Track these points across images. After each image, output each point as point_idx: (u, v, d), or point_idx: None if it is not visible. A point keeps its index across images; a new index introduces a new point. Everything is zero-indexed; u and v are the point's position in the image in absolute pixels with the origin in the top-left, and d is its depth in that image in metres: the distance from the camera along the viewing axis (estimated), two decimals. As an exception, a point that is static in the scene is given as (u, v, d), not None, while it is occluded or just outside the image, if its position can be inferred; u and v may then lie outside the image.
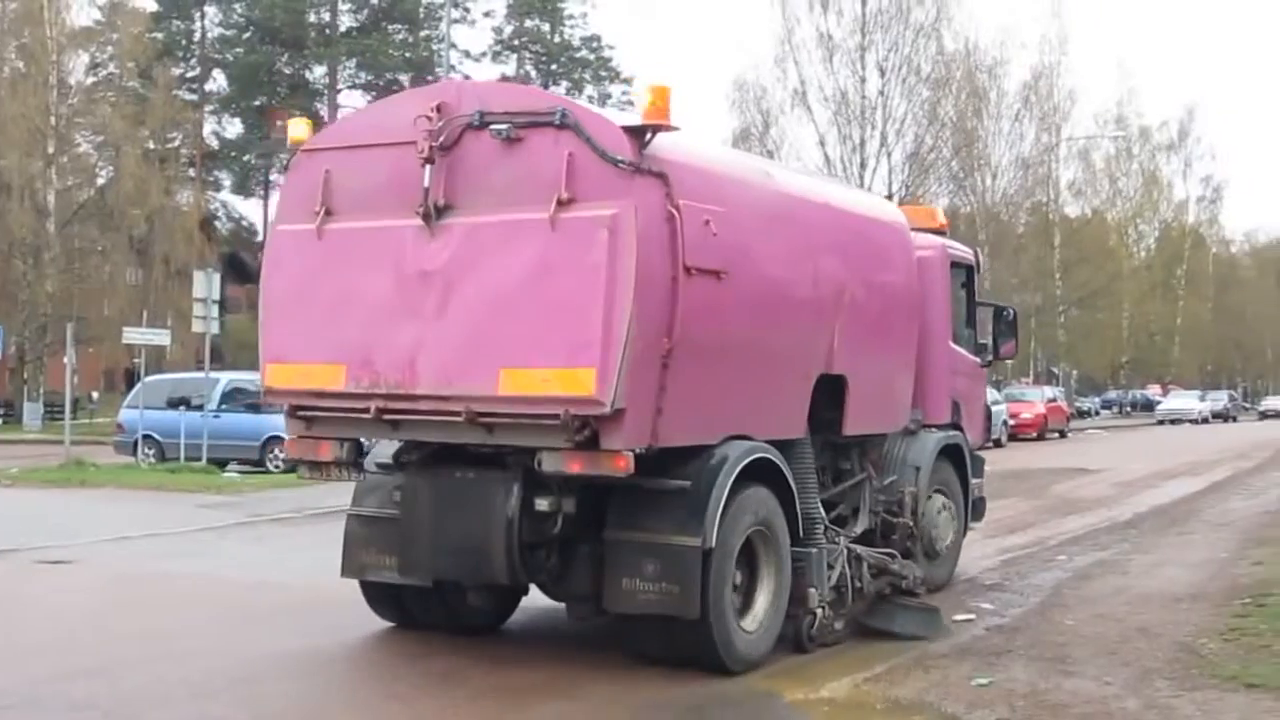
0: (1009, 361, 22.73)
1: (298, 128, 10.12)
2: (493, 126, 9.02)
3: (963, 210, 59.81)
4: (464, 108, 9.18)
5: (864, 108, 58.25)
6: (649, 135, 8.81)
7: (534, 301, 8.72)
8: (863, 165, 57.74)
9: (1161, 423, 74.16)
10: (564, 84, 78.00)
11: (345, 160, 9.62)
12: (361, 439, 9.95)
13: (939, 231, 14.22)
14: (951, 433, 13.64)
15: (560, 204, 8.68)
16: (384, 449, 10.25)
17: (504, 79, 74.34)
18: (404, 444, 9.81)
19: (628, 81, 78.47)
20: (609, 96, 78.65)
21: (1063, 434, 53.27)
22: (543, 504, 9.12)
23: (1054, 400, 55.09)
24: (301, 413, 9.80)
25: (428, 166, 9.12)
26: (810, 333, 10.63)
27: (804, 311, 10.51)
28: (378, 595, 10.73)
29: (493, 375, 8.81)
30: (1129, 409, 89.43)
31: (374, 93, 70.72)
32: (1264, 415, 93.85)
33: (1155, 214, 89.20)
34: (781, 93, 58.76)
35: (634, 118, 8.91)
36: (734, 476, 9.33)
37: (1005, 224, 65.79)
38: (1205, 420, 78.14)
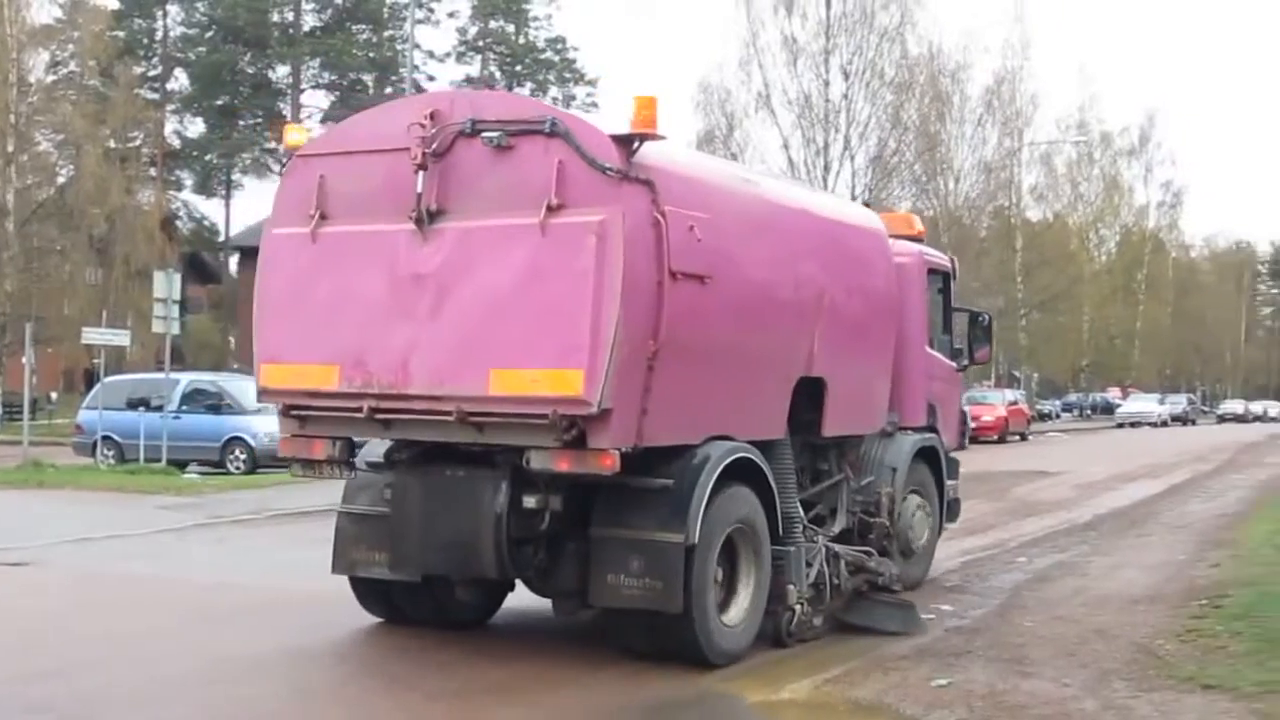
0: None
1: (294, 134, 10.44)
2: (485, 134, 9.34)
3: (925, 214, 59.91)
4: (457, 115, 9.50)
5: (828, 111, 58.43)
6: (636, 144, 9.14)
7: (524, 304, 9.07)
8: (826, 169, 57.91)
9: (1121, 426, 74.76)
10: (528, 85, 77.96)
11: (340, 166, 9.95)
12: (353, 438, 10.25)
13: (916, 238, 14.64)
14: (927, 435, 14.04)
15: (550, 210, 9.02)
16: (374, 448, 10.54)
17: (469, 80, 74.47)
18: (395, 443, 10.12)
19: (592, 83, 78.71)
20: (573, 98, 78.66)
21: (1023, 436, 53.58)
22: (530, 501, 9.47)
23: (1015, 403, 55.39)
24: (295, 412, 10.12)
25: (421, 172, 9.44)
26: (791, 336, 10.99)
27: (785, 315, 10.87)
28: (367, 591, 11.01)
29: (483, 376, 9.16)
30: (1089, 412, 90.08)
31: (337, 93, 70.62)
32: (1222, 419, 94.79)
33: (1116, 218, 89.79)
34: (746, 95, 58.93)
35: (621, 126, 9.23)
36: (716, 475, 9.67)
37: (968, 228, 66.06)
38: (1164, 423, 78.89)
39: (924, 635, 11.13)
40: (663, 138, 9.31)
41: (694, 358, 9.59)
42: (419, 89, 68.36)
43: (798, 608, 10.70)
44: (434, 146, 9.45)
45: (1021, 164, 73.16)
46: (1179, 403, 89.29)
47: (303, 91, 68.51)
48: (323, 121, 71.48)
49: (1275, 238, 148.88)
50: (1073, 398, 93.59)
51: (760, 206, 10.74)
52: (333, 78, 71.74)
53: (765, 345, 10.65)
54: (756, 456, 10.28)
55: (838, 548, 11.74)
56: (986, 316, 16.05)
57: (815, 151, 58.34)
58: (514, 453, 9.33)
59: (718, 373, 10.00)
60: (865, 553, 12.16)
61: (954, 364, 15.24)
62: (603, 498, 9.68)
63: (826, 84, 58.59)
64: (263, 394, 10.36)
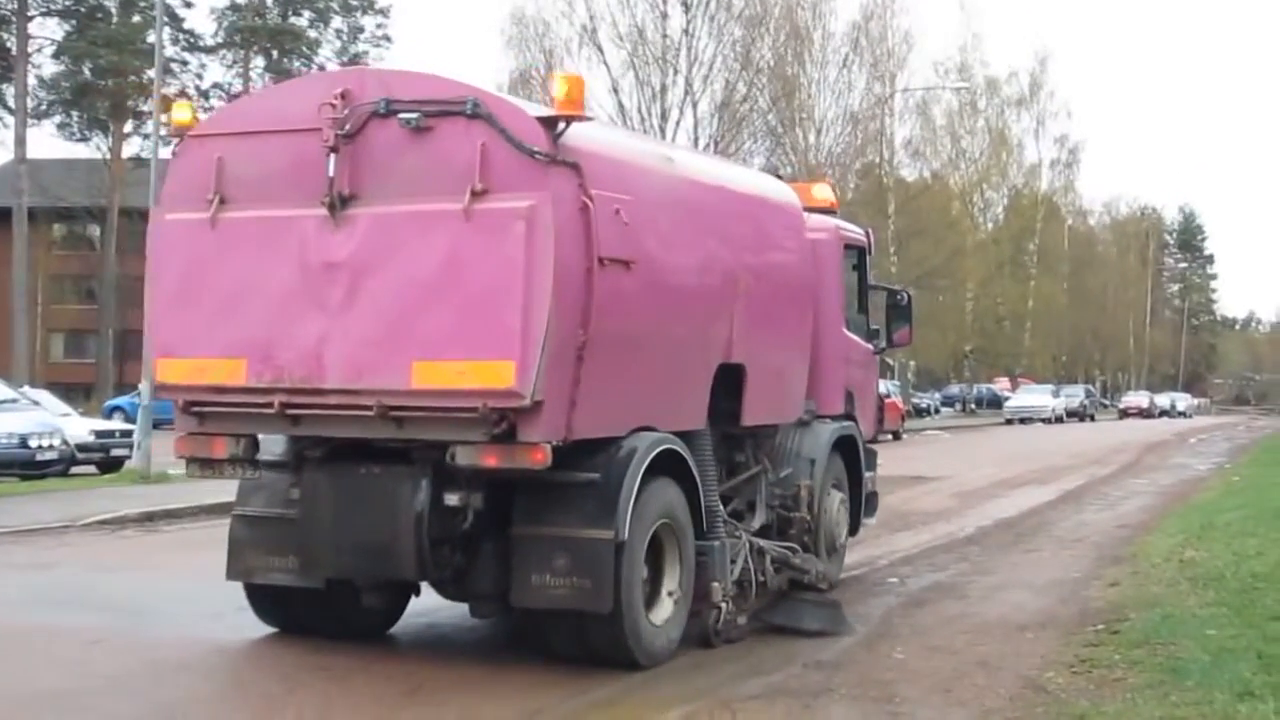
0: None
1: (182, 111, 11.53)
2: (401, 115, 10.52)
3: (782, 171, 60.59)
4: (368, 95, 10.70)
5: (665, 48, 59.06)
6: (563, 126, 10.44)
7: (447, 293, 10.27)
8: (664, 116, 58.50)
9: (1010, 421, 76.92)
10: (306, 14, 77.20)
11: (239, 147, 11.08)
12: (257, 435, 11.38)
13: (829, 211, 16.14)
14: (845, 424, 15.63)
15: (474, 195, 10.23)
16: (270, 446, 11.66)
17: (235, 9, 73.45)
18: (303, 440, 11.27)
19: (383, 13, 78.21)
20: (361, 30, 78.34)
21: (897, 435, 54.60)
22: (452, 499, 10.69)
23: (888, 396, 56.02)
24: (195, 409, 11.22)
25: (332, 155, 10.60)
26: (711, 321, 12.44)
27: (705, 299, 12.32)
28: (264, 599, 12.16)
29: (405, 369, 10.34)
30: (973, 406, 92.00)
31: (74, 21, 69.14)
32: (1124, 413, 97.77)
33: (1004, 179, 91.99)
34: (568, 29, 59.37)
35: (545, 108, 10.61)
36: (644, 469, 11.00)
37: (832, 188, 66.79)
38: (1059, 419, 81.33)
39: (850, 636, 12.53)
40: (589, 118, 10.71)
41: (620, 346, 10.90)
42: (172, 16, 67.35)
43: (723, 606, 12.10)
44: (346, 128, 10.58)
45: (894, 114, 74.49)
46: (1075, 395, 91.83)
47: (31, 19, 66.98)
48: (55, 56, 69.96)
49: (1184, 203, 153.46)
50: (954, 390, 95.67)
51: (679, 186, 12.13)
52: (67, 3, 70.22)
53: (686, 331, 12.06)
54: (681, 448, 11.72)
55: (762, 543, 13.35)
56: (905, 295, 17.66)
57: (651, 96, 58.90)
58: (434, 448, 10.54)
59: (642, 361, 11.37)
60: (790, 549, 13.79)
61: (871, 346, 16.80)
62: (524, 494, 10.97)
63: (664, 16, 59.16)
64: (160, 390, 11.49)
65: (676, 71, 58.93)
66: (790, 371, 14.09)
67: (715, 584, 12.02)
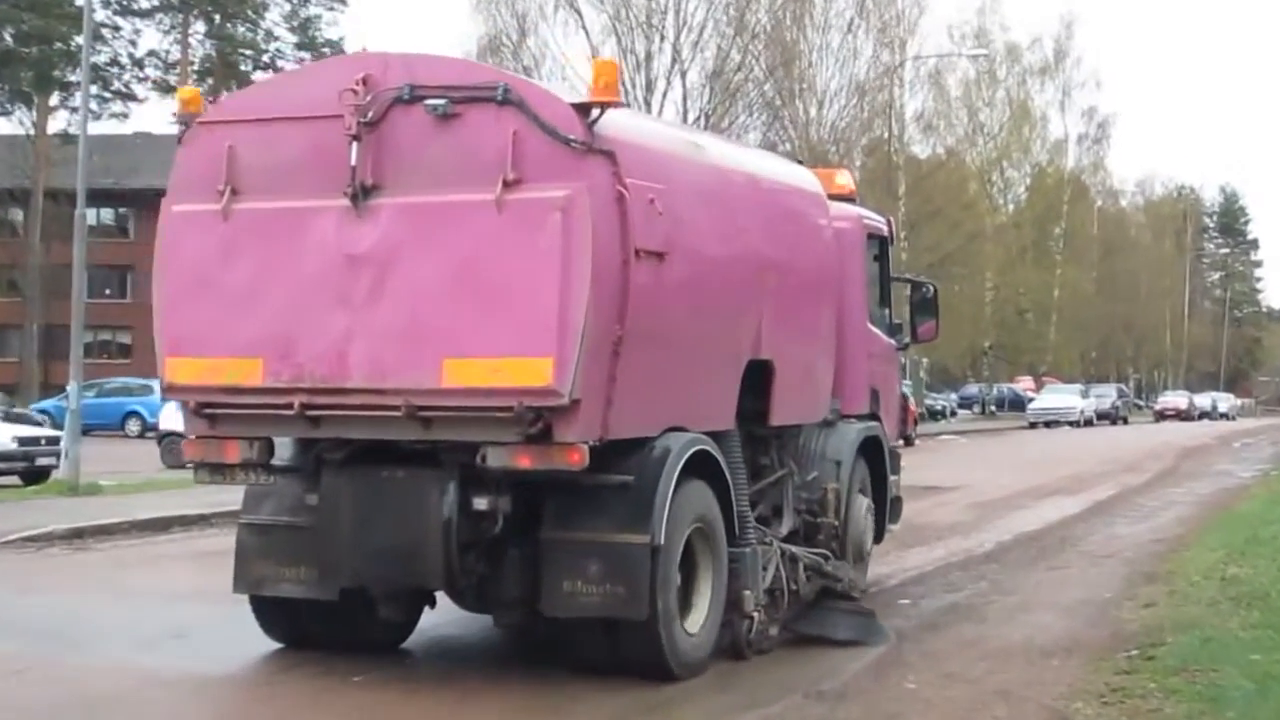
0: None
1: (189, 98, 12.10)
2: (428, 102, 11.08)
3: (781, 147, 60.59)
4: (391, 80, 11.25)
5: (651, 12, 58.93)
6: (598, 113, 10.95)
7: (479, 288, 10.86)
8: (649, 87, 58.65)
9: (1034, 425, 77.04)
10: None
11: (253, 135, 11.63)
12: (273, 438, 11.88)
13: (849, 198, 16.84)
14: (870, 424, 16.33)
15: (507, 185, 10.80)
16: (281, 450, 12.07)
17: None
18: (320, 443, 11.74)
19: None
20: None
21: (909, 440, 54.30)
22: (481, 503, 11.25)
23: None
24: (207, 410, 11.74)
25: (354, 143, 11.12)
26: (741, 314, 13.11)
27: (735, 291, 12.96)
28: (271, 611, 12.64)
29: (435, 366, 10.90)
30: (993, 408, 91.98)
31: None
32: (1161, 415, 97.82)
33: (1026, 156, 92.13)
34: (543, -9, 58.80)
35: (578, 93, 11.14)
36: (678, 470, 11.56)
37: (835, 166, 66.76)
38: (1088, 422, 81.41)
39: (883, 646, 13.11)
40: (625, 105, 11.40)
41: (655, 342, 11.48)
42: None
43: (755, 615, 12.68)
44: (369, 115, 11.12)
45: (904, 84, 74.50)
46: (1106, 396, 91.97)
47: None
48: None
49: (1225, 182, 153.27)
50: (972, 390, 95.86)
51: (708, 174, 12.79)
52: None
53: (717, 325, 12.71)
54: (714, 449, 12.32)
55: (794, 550, 13.93)
56: (931, 287, 18.42)
57: (635, 65, 58.85)
58: (462, 450, 11.09)
59: (675, 357, 11.98)
60: (822, 555, 14.41)
61: (893, 342, 17.53)
62: (554, 498, 11.53)
63: (650, -24, 58.79)
64: (170, 391, 12.03)
65: (663, 38, 59.13)
66: (817, 368, 14.73)
67: (747, 592, 12.56)
